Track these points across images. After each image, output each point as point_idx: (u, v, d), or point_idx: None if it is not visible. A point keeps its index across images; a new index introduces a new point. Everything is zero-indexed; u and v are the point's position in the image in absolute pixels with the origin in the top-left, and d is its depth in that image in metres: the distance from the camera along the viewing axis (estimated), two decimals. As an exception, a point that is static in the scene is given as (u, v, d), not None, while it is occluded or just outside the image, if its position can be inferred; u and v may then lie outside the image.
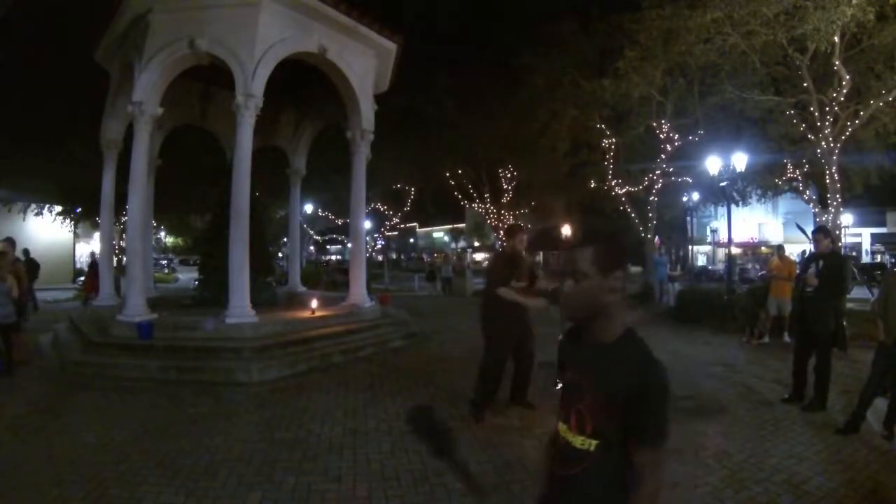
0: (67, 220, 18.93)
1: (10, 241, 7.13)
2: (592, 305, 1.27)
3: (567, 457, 1.26)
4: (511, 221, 24.48)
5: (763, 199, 17.83)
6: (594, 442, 1.21)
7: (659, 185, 14.69)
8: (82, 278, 18.39)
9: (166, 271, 25.57)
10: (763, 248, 30.32)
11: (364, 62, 8.79)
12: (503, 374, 4.71)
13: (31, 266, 7.71)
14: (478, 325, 4.79)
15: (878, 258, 27.36)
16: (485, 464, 3.67)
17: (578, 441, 1.24)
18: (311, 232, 29.35)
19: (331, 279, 19.83)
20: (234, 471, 3.53)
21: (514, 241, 4.73)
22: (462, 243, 50.87)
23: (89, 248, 27.79)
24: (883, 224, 28.56)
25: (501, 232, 23.97)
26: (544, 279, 4.70)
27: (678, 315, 11.02)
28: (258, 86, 7.06)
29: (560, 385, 1.42)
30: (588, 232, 1.36)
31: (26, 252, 7.50)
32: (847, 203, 14.48)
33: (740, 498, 3.19)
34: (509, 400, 4.89)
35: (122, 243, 15.93)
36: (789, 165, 13.25)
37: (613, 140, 14.68)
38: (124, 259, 11.08)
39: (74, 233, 20.97)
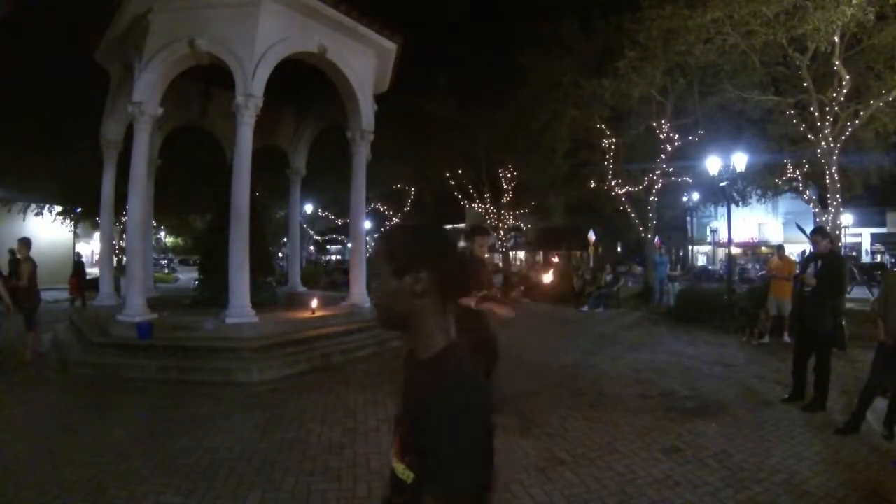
0: (67, 220, 18.93)
1: (24, 242, 7.30)
2: (392, 313, 1.06)
3: (392, 483, 1.08)
4: (511, 222, 24.57)
5: (763, 199, 17.81)
6: (410, 475, 1.01)
7: (659, 185, 14.68)
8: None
9: (166, 271, 25.54)
10: (763, 248, 30.28)
11: (364, 62, 8.78)
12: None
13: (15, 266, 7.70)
14: None
15: (878, 258, 27.33)
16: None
17: (399, 469, 1.05)
18: (311, 232, 29.37)
19: (331, 279, 19.83)
20: (234, 471, 3.53)
21: (472, 245, 4.32)
22: (462, 243, 50.86)
23: (89, 247, 27.83)
24: (883, 224, 28.52)
25: (501, 232, 24.03)
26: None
27: (678, 315, 11.04)
28: (258, 86, 7.06)
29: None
30: (393, 225, 1.16)
31: (11, 252, 7.46)
32: (847, 203, 14.47)
33: (740, 498, 3.19)
34: None
35: (122, 243, 15.93)
36: (789, 165, 13.25)
37: (613, 140, 14.67)
38: (124, 259, 11.08)
39: (74, 233, 20.96)
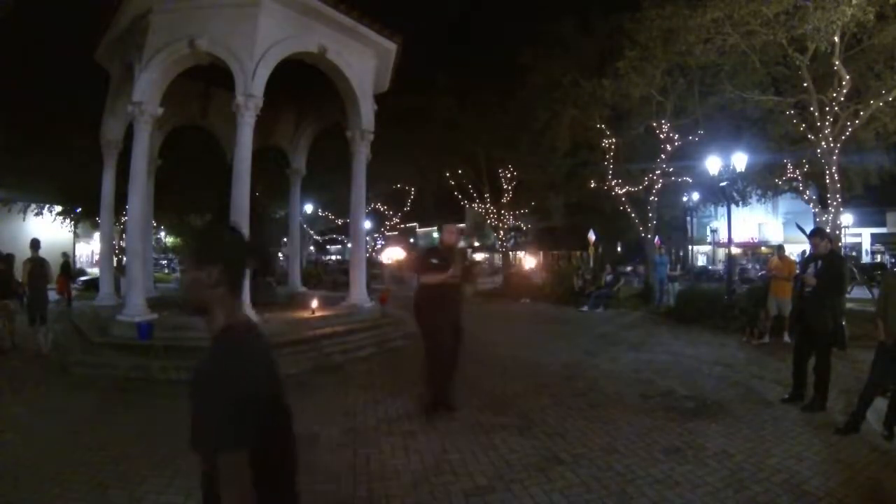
0: (67, 220, 18.94)
1: (32, 243, 7.53)
2: (192, 299, 1.24)
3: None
4: (511, 222, 24.57)
5: (763, 199, 17.80)
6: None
7: (659, 185, 14.66)
8: (84, 278, 18.43)
9: (166, 271, 25.56)
10: (763, 248, 30.28)
11: (364, 62, 8.79)
12: (454, 360, 4.78)
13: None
14: (474, 323, 4.85)
15: (878, 258, 27.34)
16: (486, 465, 3.67)
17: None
18: (311, 232, 29.37)
19: (332, 279, 19.86)
20: (234, 471, 3.52)
21: (442, 236, 5.00)
22: (462, 243, 50.91)
23: (89, 247, 27.81)
24: (883, 224, 28.51)
25: (501, 232, 24.03)
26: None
27: (678, 315, 11.03)
28: (258, 86, 7.07)
29: None
30: (204, 225, 1.34)
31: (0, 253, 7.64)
32: (847, 203, 14.46)
33: (740, 498, 3.19)
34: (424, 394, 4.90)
35: (122, 243, 15.92)
36: (789, 165, 13.23)
37: (613, 140, 14.66)
38: (124, 259, 11.09)
39: (74, 233, 20.96)
